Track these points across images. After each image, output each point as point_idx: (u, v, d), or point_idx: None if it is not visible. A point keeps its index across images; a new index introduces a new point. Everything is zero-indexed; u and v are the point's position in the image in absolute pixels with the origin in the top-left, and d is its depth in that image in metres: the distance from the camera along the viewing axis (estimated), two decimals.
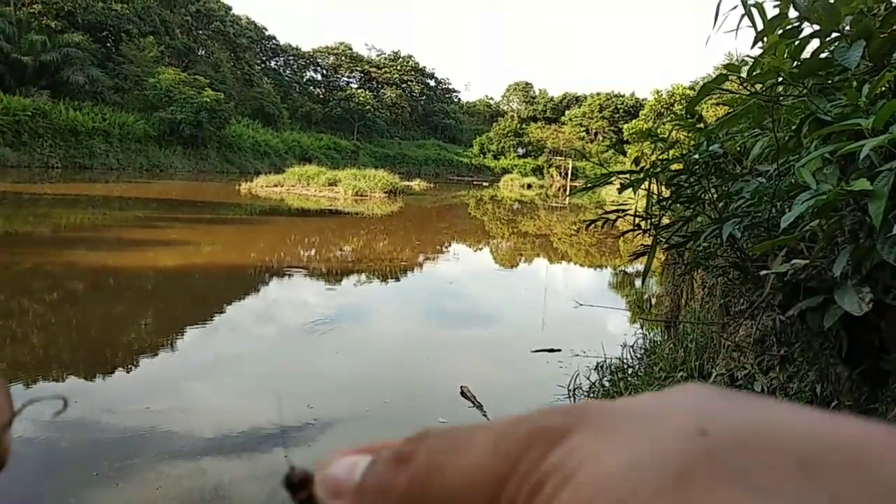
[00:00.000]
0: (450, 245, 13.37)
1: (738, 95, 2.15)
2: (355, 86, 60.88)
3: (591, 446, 0.16)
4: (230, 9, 47.10)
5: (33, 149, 26.20)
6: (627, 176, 2.53)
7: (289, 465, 0.24)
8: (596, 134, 61.61)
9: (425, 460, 0.19)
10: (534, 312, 7.09)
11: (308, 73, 59.97)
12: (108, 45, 34.67)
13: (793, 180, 1.82)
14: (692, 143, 2.81)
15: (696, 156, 2.47)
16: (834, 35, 1.75)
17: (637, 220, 2.90)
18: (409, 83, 63.34)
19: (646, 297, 8.56)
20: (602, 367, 4.62)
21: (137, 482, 2.91)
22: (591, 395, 4.38)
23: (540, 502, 0.16)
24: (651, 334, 5.43)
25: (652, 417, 0.16)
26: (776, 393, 2.82)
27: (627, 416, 0.17)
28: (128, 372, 4.40)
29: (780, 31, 1.87)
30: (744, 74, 1.95)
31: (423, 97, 65.06)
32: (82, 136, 28.22)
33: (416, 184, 30.21)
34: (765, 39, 1.94)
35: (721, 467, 0.15)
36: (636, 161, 2.63)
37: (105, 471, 2.97)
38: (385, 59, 64.25)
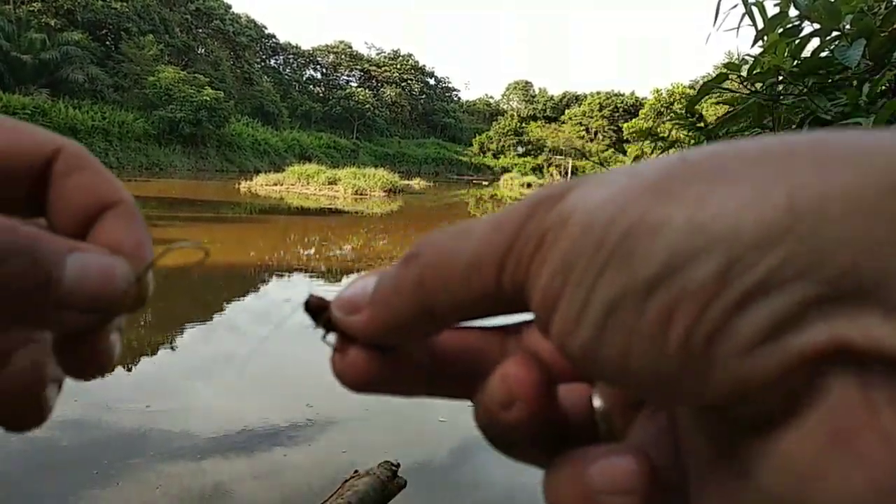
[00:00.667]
0: None
1: (738, 94, 2.14)
2: (355, 84, 60.87)
3: (587, 193, 0.17)
4: (230, 7, 47.05)
5: None
6: None
7: (308, 294, 0.24)
8: (596, 133, 61.58)
9: (432, 252, 0.20)
10: None
11: (308, 72, 59.96)
12: (108, 43, 34.65)
13: None
14: (692, 142, 2.81)
15: None
16: (834, 34, 1.74)
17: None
18: (409, 82, 63.32)
19: None
20: None
21: (137, 481, 2.92)
22: None
23: (544, 249, 0.18)
24: None
25: (639, 165, 0.17)
26: None
27: (618, 170, 0.18)
28: (128, 371, 4.40)
29: (781, 30, 1.87)
30: (744, 73, 1.95)
31: (423, 96, 65.04)
32: (82, 134, 28.18)
33: (416, 182, 30.19)
34: (765, 38, 1.93)
35: (695, 171, 0.16)
36: (636, 160, 2.63)
37: (105, 469, 2.97)
38: (385, 57, 64.21)
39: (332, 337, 0.23)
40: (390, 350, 0.22)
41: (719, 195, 0.15)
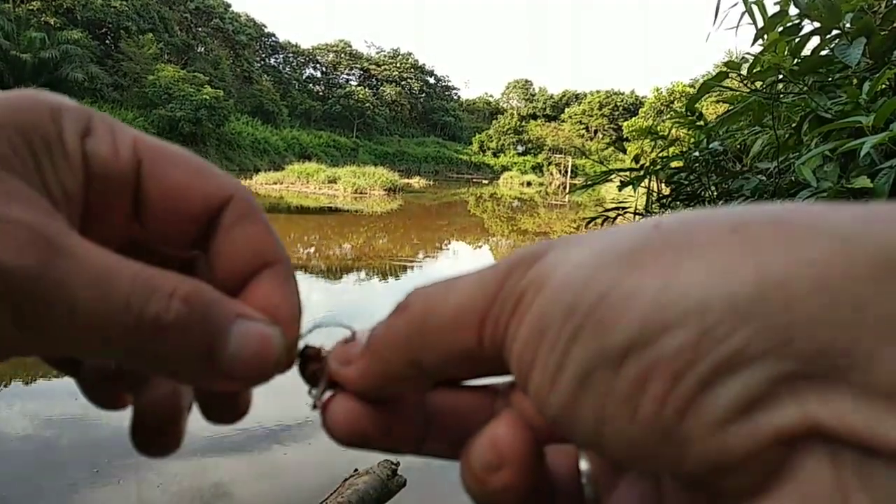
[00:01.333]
0: (449, 243, 13.37)
1: (738, 93, 2.14)
2: (355, 83, 60.80)
3: (563, 255, 0.18)
4: (229, 6, 47.00)
5: None
6: (627, 173, 2.53)
7: (304, 344, 0.24)
8: (596, 131, 61.54)
9: (420, 304, 0.21)
10: None
11: (307, 71, 59.87)
12: (108, 42, 34.61)
13: (793, 178, 1.82)
14: (692, 140, 2.81)
15: (697, 153, 2.47)
16: (834, 32, 1.74)
17: (637, 217, 2.90)
18: (409, 80, 63.25)
19: None
20: None
21: (138, 480, 2.92)
22: None
23: (521, 310, 0.18)
24: None
25: (615, 230, 0.18)
26: None
27: (595, 233, 0.18)
28: None
29: (781, 29, 1.87)
30: (744, 72, 1.95)
31: (423, 94, 64.97)
32: None
33: (416, 181, 30.18)
34: (765, 37, 1.93)
35: (667, 240, 0.16)
36: (636, 159, 2.63)
37: (106, 468, 2.97)
38: (384, 56, 64.13)
39: (316, 391, 0.23)
40: (382, 405, 0.22)
41: (689, 267, 0.15)
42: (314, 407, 0.23)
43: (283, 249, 0.25)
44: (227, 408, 0.26)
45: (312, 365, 0.24)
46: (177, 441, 0.26)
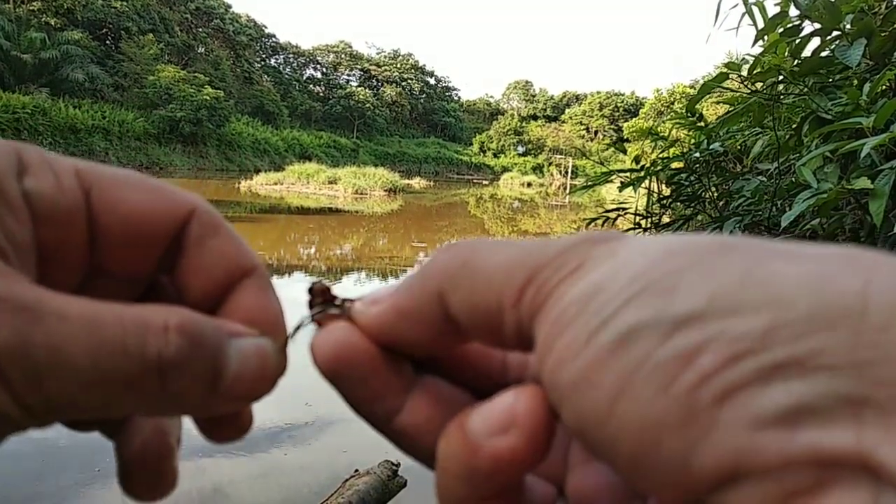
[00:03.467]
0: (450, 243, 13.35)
1: (738, 94, 2.14)
2: (355, 84, 60.80)
3: (642, 239, 0.17)
4: (230, 7, 47.02)
5: None
6: (628, 174, 2.53)
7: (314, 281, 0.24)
8: (596, 132, 61.54)
9: (469, 246, 0.20)
10: None
11: (308, 71, 59.88)
12: (108, 42, 34.63)
13: (793, 179, 1.82)
14: (692, 141, 2.81)
15: (697, 154, 2.47)
16: (835, 33, 1.74)
17: (637, 218, 2.90)
18: (409, 81, 63.25)
19: None
20: None
21: None
22: None
23: (579, 273, 0.17)
24: None
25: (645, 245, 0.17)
26: None
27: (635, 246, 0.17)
28: None
29: (781, 30, 1.87)
30: (744, 73, 1.95)
31: (423, 95, 64.97)
32: (82, 133, 28.18)
33: (416, 182, 30.19)
34: (765, 38, 1.93)
35: (752, 244, 0.15)
36: (636, 159, 2.63)
37: (107, 467, 2.97)
38: (385, 57, 64.16)
39: (316, 309, 0.23)
40: (385, 350, 0.22)
41: (781, 261, 0.14)
42: (311, 319, 0.23)
43: (255, 256, 0.24)
44: (231, 426, 0.25)
45: (317, 299, 0.23)
46: (173, 480, 0.25)
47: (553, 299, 0.17)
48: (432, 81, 67.10)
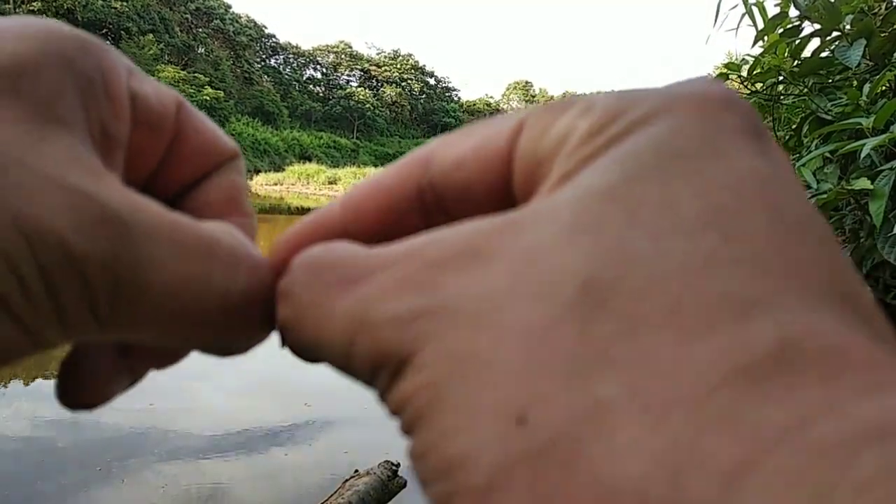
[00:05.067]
0: None
1: (738, 94, 2.14)
2: (355, 84, 60.86)
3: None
4: (230, 7, 47.06)
5: None
6: None
7: None
8: None
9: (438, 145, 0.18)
10: None
11: (308, 72, 59.92)
12: (108, 42, 34.69)
13: None
14: None
15: None
16: (834, 34, 1.74)
17: None
18: (409, 81, 63.30)
19: None
20: None
21: (141, 479, 2.92)
22: None
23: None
24: None
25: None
26: None
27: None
28: None
29: (781, 30, 1.87)
30: (744, 73, 1.95)
31: (423, 95, 65.02)
32: None
33: None
34: (765, 38, 1.93)
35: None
36: None
37: (107, 467, 2.97)
38: (385, 57, 64.21)
39: None
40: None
41: None
42: None
43: (233, 143, 0.24)
44: (176, 354, 0.24)
45: None
46: (111, 395, 0.23)
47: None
48: (432, 82, 67.16)
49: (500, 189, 0.16)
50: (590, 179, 0.13)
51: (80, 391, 0.22)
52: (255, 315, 0.19)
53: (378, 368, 0.14)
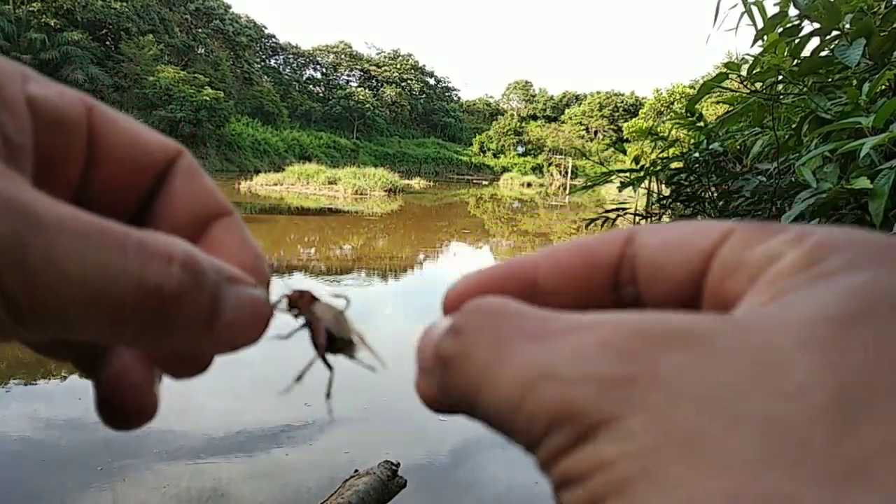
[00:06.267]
0: (449, 243, 13.37)
1: (738, 94, 2.14)
2: (355, 84, 60.81)
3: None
4: (229, 7, 47.03)
5: None
6: (627, 174, 2.53)
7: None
8: (596, 132, 61.55)
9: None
10: None
11: (308, 72, 59.87)
12: (108, 43, 34.63)
13: (793, 179, 1.82)
14: (692, 141, 2.81)
15: (697, 154, 2.47)
16: (834, 33, 1.74)
17: (637, 218, 2.90)
18: (409, 81, 63.26)
19: None
20: None
21: (142, 478, 2.92)
22: None
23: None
24: None
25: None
26: None
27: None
28: None
29: (780, 30, 1.87)
30: (744, 73, 1.95)
31: (423, 95, 64.98)
32: None
33: (416, 182, 30.20)
34: (765, 38, 1.93)
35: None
36: (636, 160, 2.63)
37: (107, 467, 2.97)
38: (385, 57, 64.17)
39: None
40: None
41: None
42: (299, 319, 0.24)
43: (229, 203, 0.24)
44: (193, 363, 0.24)
45: (292, 304, 0.24)
46: (153, 410, 0.24)
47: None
48: (432, 82, 67.12)
49: (691, 281, 0.17)
50: (819, 304, 0.13)
51: (127, 410, 0.23)
52: (196, 316, 0.19)
53: (558, 426, 0.14)
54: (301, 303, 0.24)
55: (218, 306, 0.19)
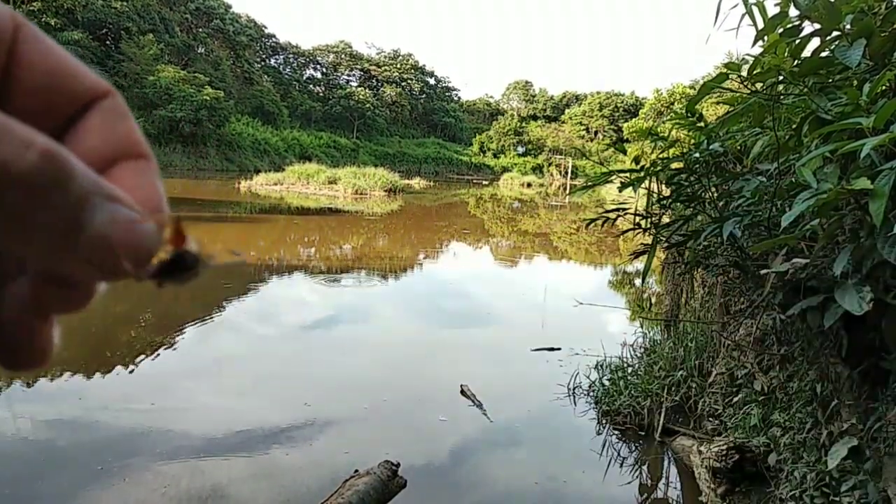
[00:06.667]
0: (449, 243, 13.37)
1: (738, 94, 2.14)
2: (355, 84, 60.81)
3: None
4: (230, 7, 47.03)
5: None
6: (627, 175, 2.53)
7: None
8: (596, 133, 61.59)
9: None
10: (533, 311, 7.08)
11: (308, 72, 59.87)
12: (108, 42, 34.64)
13: (793, 179, 1.82)
14: (692, 141, 2.81)
15: (697, 154, 2.46)
16: (835, 34, 1.74)
17: (637, 218, 2.90)
18: (409, 81, 63.26)
19: (646, 295, 8.56)
20: (602, 365, 4.61)
21: (142, 478, 2.92)
22: (591, 393, 4.38)
23: None
24: (651, 333, 5.43)
25: None
26: (776, 392, 2.82)
27: None
28: (130, 372, 4.40)
29: (781, 30, 1.87)
30: (744, 73, 1.95)
31: (423, 95, 64.98)
32: None
33: (416, 182, 30.20)
34: (765, 38, 1.93)
35: None
36: (636, 160, 2.63)
37: (107, 467, 2.97)
38: (385, 57, 64.16)
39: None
40: None
41: None
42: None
43: (150, 150, 0.24)
44: (28, 350, 0.23)
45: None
46: (47, 350, 0.23)
47: None
48: (432, 81, 67.12)
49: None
50: None
51: (14, 352, 0.22)
52: (54, 216, 0.19)
53: None
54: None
55: (83, 215, 0.19)
